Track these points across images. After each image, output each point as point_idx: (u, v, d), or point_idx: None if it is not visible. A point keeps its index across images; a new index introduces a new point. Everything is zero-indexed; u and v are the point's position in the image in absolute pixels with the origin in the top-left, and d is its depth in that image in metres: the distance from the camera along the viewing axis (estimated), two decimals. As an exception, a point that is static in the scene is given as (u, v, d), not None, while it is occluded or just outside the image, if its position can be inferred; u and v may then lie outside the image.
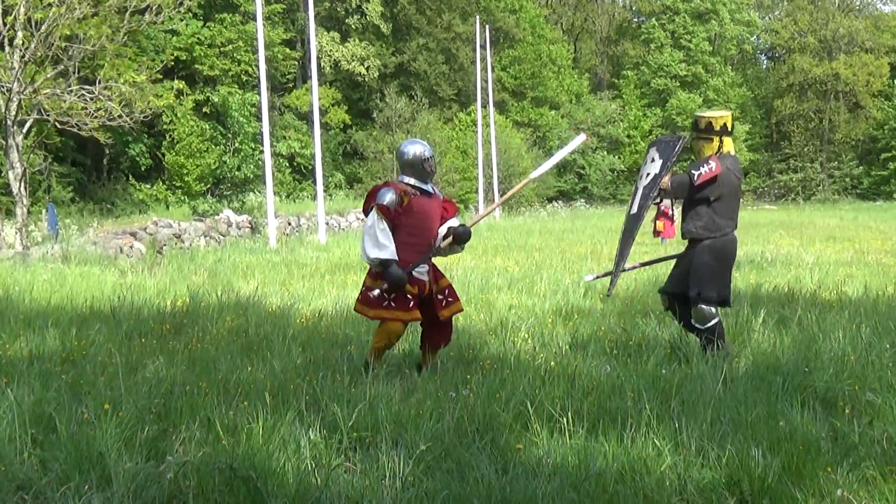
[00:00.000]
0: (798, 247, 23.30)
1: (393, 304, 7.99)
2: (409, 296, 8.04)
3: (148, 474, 5.36)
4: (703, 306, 8.43)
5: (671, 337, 9.22)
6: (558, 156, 9.41)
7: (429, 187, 8.30)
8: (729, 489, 5.17)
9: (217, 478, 5.24)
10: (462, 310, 8.69)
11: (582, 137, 9.33)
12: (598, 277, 10.21)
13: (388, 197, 7.92)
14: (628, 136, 74.26)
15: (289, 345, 9.28)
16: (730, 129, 8.58)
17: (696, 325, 8.55)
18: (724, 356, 8.24)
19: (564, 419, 6.16)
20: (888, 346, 8.25)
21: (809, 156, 76.45)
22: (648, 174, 8.47)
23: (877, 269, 16.82)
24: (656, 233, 27.28)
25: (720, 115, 8.53)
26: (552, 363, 8.25)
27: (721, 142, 8.47)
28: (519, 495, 5.03)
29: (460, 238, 8.29)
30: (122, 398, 6.83)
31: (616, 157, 73.00)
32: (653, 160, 8.48)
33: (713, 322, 8.48)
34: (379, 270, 7.95)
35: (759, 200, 74.33)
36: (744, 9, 78.78)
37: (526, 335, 9.79)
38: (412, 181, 8.19)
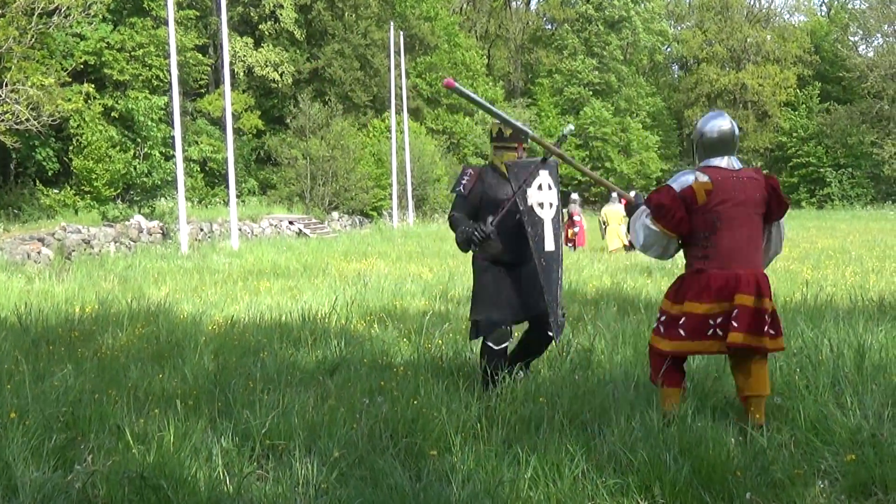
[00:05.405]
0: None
1: None
2: None
3: (55, 484, 5.27)
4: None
5: (583, 343, 9.28)
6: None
7: None
8: (641, 494, 5.21)
9: (126, 487, 5.16)
10: None
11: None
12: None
13: None
14: (542, 144, 74.69)
15: (200, 352, 9.15)
16: None
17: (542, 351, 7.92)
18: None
19: (479, 424, 6.17)
20: (795, 351, 8.38)
21: (720, 165, 76.98)
22: (552, 204, 7.40)
23: (785, 276, 17.13)
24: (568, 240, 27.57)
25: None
26: (467, 369, 8.26)
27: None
28: (433, 502, 5.02)
29: None
30: (29, 407, 6.70)
31: (530, 164, 73.39)
32: (550, 187, 7.43)
33: None
34: None
35: (672, 210, 75.08)
36: (656, 18, 79.55)
37: (440, 341, 9.77)
38: None
